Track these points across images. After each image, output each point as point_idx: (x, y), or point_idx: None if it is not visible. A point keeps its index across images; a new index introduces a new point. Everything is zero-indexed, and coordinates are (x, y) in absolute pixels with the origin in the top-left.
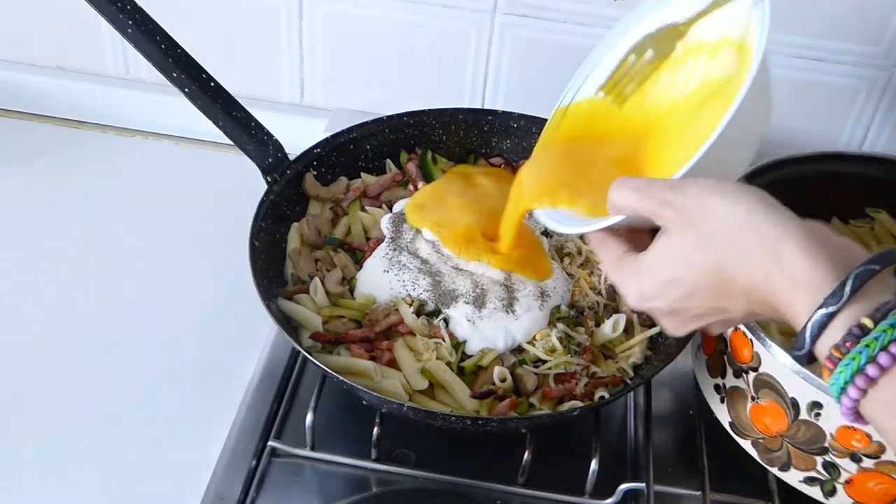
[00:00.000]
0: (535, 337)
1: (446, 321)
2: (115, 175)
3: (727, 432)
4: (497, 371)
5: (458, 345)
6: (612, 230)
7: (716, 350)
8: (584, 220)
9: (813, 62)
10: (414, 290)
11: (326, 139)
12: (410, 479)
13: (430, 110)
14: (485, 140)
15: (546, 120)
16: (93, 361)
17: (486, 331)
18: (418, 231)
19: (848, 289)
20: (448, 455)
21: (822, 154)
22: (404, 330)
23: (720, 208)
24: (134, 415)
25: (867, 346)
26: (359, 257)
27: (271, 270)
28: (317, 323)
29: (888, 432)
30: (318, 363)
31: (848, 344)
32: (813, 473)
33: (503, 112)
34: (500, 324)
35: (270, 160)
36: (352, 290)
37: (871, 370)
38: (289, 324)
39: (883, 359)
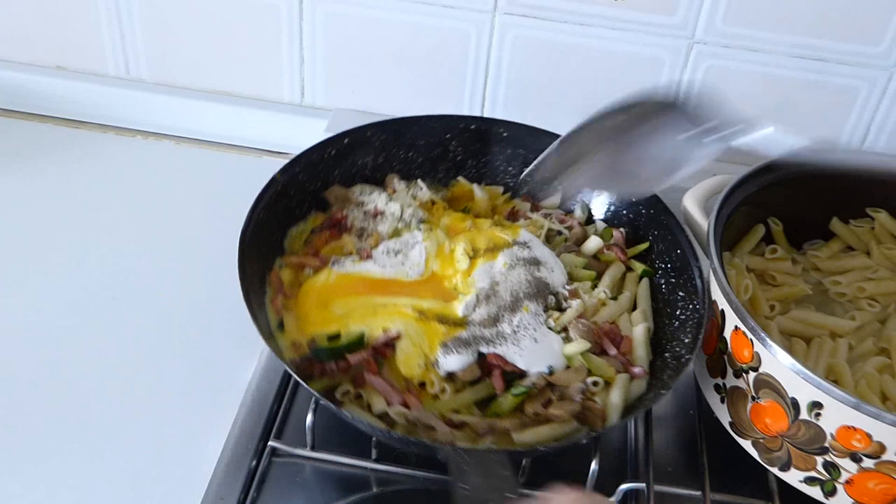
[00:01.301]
0: None
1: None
2: (115, 175)
3: (727, 432)
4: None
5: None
6: None
7: (716, 350)
8: None
9: (813, 62)
10: None
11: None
12: (410, 479)
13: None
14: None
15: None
16: (92, 361)
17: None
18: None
19: None
20: None
21: None
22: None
23: None
24: (134, 415)
25: None
26: None
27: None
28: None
29: None
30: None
31: None
32: (813, 473)
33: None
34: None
35: None
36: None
37: None
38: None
39: None
